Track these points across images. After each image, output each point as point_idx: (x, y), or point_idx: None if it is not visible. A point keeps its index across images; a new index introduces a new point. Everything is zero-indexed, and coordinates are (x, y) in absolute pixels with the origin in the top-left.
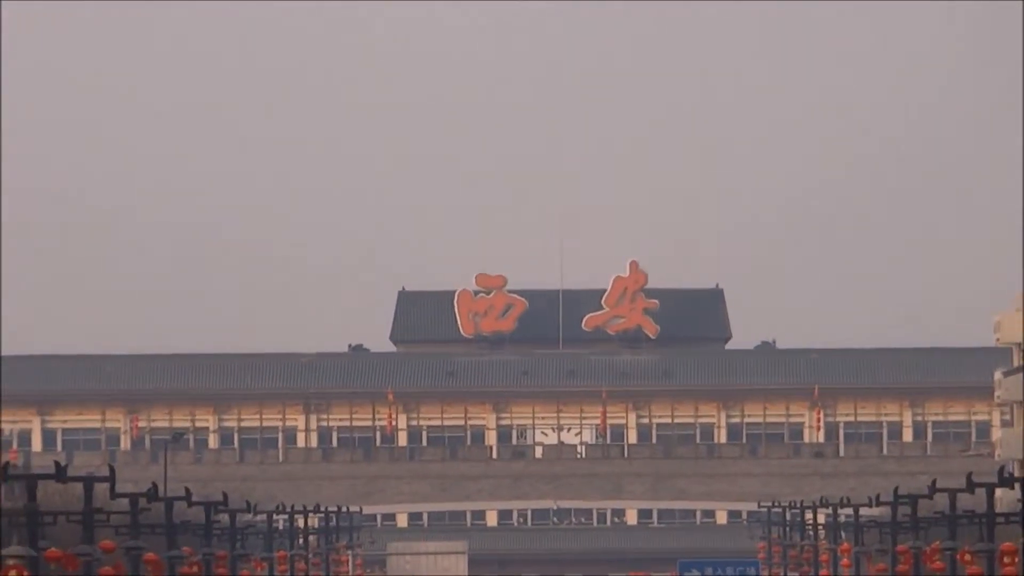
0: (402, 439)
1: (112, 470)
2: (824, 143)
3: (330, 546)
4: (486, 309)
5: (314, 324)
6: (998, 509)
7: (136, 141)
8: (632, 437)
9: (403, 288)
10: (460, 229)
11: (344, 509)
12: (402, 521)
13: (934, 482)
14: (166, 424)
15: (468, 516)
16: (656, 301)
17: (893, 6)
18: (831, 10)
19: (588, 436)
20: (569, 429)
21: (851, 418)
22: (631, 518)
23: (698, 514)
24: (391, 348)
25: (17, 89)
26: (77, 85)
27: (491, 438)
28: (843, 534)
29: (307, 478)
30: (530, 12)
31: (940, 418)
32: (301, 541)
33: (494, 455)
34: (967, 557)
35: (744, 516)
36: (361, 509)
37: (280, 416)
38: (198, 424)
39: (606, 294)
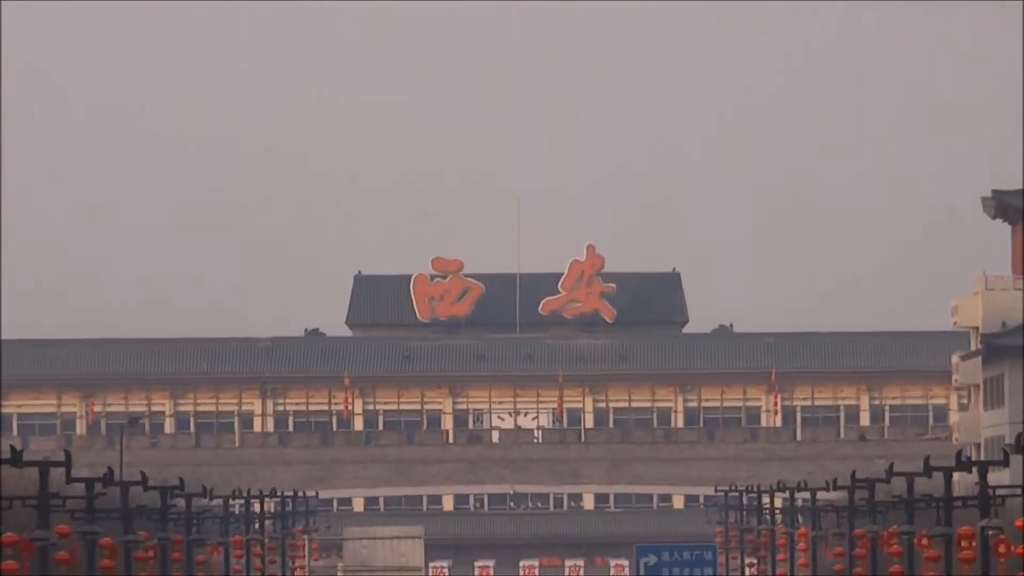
0: (358, 424)
1: (68, 455)
2: (782, 126)
3: (286, 531)
4: (442, 293)
5: (270, 308)
6: (955, 493)
7: (97, 125)
8: (589, 421)
9: (359, 272)
10: (416, 212)
11: (300, 494)
12: (358, 506)
13: (891, 466)
14: (122, 409)
15: (424, 501)
16: (613, 285)
17: (888, 5)
18: (806, 8)
19: (545, 420)
20: (526, 414)
21: (808, 402)
22: (588, 503)
23: (655, 498)
24: (347, 332)
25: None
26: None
27: (447, 422)
28: (800, 518)
29: (263, 463)
30: (488, 4)
31: (897, 402)
32: (257, 526)
33: (450, 439)
34: (924, 541)
35: (701, 500)
36: (317, 494)
37: (236, 401)
38: (154, 409)
39: (563, 278)
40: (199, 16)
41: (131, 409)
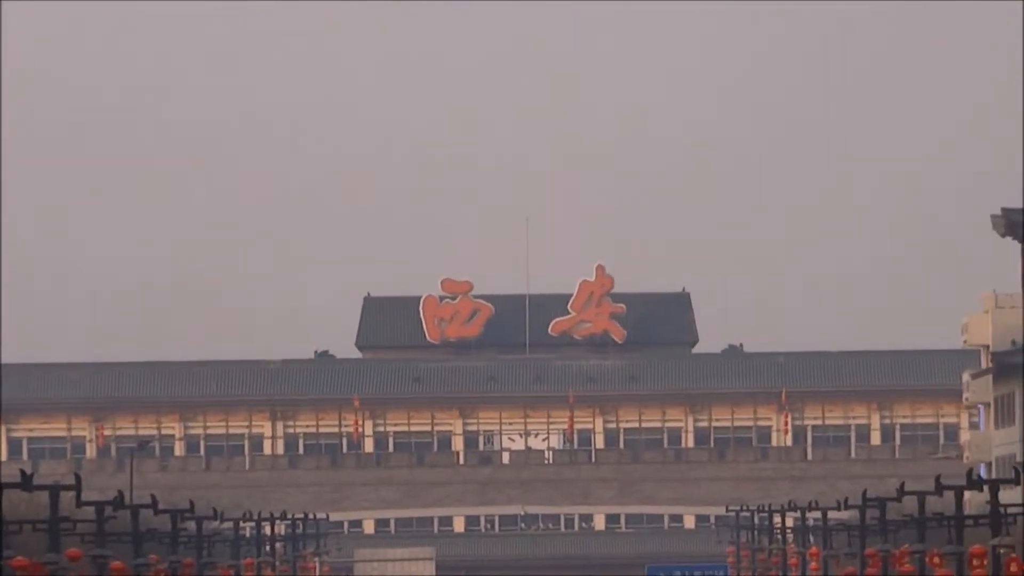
0: (368, 445)
1: (78, 478)
2: (790, 145)
3: (297, 553)
4: (452, 314)
5: (280, 331)
6: (967, 511)
7: (102, 147)
8: (599, 442)
9: (368, 294)
10: (425, 234)
11: (311, 516)
12: (369, 528)
13: (902, 485)
14: (132, 432)
15: (435, 522)
16: (623, 305)
17: (888, 6)
18: (808, 9)
19: (555, 441)
20: (536, 435)
21: (819, 421)
22: (599, 523)
23: (666, 519)
24: (357, 354)
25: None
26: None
27: (458, 444)
28: (811, 537)
29: (273, 485)
30: (495, 13)
31: (908, 421)
32: (268, 548)
33: (461, 461)
34: (936, 560)
35: (712, 520)
36: (328, 516)
37: (246, 423)
38: (164, 432)
39: (572, 298)
40: (203, 21)
41: (141, 432)
